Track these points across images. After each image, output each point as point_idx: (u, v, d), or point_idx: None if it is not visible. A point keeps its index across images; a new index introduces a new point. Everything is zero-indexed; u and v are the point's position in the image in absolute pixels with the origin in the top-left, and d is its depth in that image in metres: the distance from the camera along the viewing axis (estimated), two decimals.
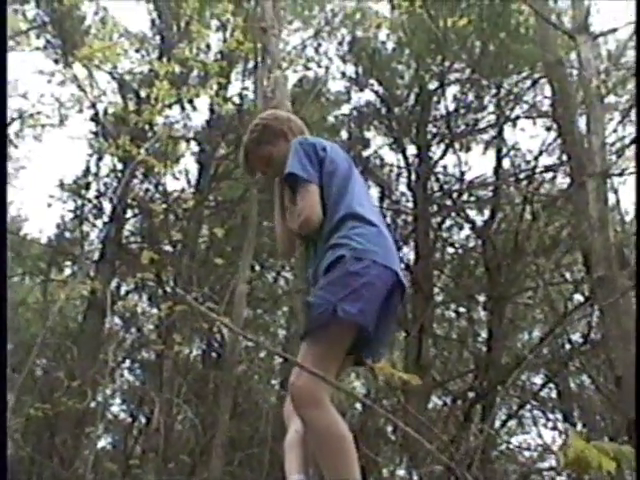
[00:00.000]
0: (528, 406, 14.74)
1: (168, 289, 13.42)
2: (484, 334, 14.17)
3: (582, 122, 8.58)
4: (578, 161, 8.06)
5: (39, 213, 32.68)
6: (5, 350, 3.46)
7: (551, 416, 15.11)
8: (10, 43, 11.81)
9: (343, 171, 3.23)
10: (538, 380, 14.62)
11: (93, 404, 11.13)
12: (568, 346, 13.20)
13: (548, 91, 12.83)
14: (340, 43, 14.66)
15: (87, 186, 14.65)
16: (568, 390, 14.58)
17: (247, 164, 3.58)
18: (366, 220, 3.05)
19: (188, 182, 14.69)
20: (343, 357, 2.91)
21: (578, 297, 13.61)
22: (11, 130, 12.58)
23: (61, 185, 14.61)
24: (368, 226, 3.04)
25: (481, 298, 14.20)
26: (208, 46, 13.58)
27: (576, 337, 13.49)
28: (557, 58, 8.67)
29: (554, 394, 15.02)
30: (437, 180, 14.46)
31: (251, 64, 14.66)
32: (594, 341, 12.33)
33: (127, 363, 15.55)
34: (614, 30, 9.23)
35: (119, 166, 14.32)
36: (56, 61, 14.14)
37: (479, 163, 26.39)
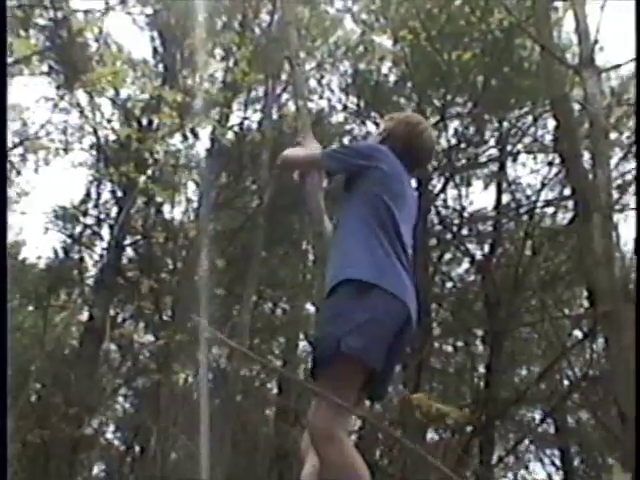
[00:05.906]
0: (526, 441, 14.66)
1: (165, 317, 13.34)
2: (482, 368, 14.12)
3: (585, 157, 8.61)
4: (583, 195, 8.05)
5: (38, 239, 32.57)
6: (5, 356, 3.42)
7: (548, 452, 15.03)
8: (13, 69, 11.78)
9: None
10: (536, 415, 14.58)
11: (88, 430, 11.05)
12: (566, 382, 13.13)
13: (549, 125, 12.91)
14: (342, 75, 14.70)
15: (86, 212, 14.61)
16: (566, 426, 14.49)
17: None
18: (382, 245, 2.89)
19: (186, 210, 14.66)
20: (355, 393, 2.78)
21: (577, 333, 13.62)
22: (14, 156, 12.56)
23: (60, 210, 14.54)
24: (379, 251, 2.87)
25: (479, 332, 14.16)
26: (212, 75, 13.56)
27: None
28: (563, 93, 8.68)
29: (552, 430, 14.92)
30: (437, 213, 14.44)
31: (254, 93, 14.73)
32: (593, 377, 12.29)
33: (123, 390, 15.42)
34: (618, 66, 9.26)
35: (119, 193, 14.27)
36: (58, 87, 14.09)
37: (480, 197, 26.43)
